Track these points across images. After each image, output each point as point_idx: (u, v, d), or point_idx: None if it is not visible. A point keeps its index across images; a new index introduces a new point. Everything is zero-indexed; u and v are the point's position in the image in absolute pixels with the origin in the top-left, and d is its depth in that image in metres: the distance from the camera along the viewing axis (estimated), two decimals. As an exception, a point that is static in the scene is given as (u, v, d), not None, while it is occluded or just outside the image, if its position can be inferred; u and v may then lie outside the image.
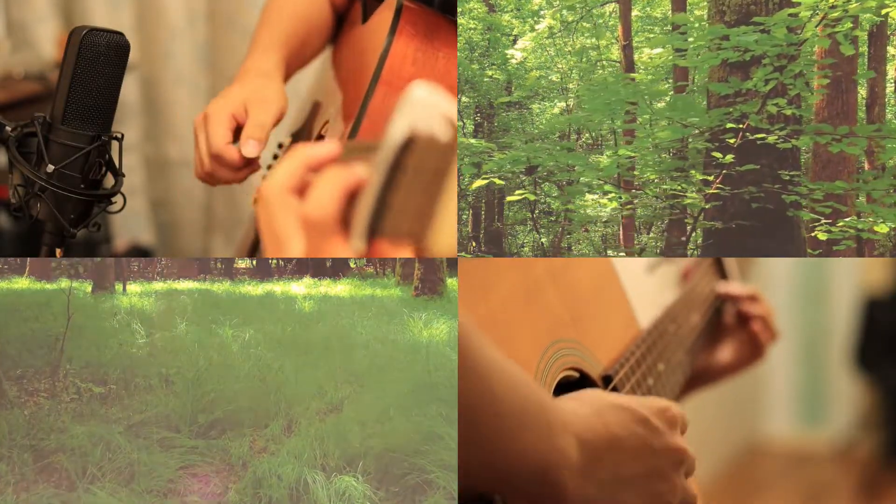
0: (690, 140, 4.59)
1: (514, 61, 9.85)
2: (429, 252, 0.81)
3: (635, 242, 7.08)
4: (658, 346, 1.24)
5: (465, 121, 10.29)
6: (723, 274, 1.53)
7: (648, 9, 10.25)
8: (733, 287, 1.47)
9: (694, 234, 4.78)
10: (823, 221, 4.02)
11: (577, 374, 1.08)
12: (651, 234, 9.79)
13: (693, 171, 4.47)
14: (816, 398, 5.20)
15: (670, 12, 8.40)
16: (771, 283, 5.16)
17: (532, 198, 5.60)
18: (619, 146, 5.10)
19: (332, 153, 0.95)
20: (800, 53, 3.70)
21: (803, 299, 5.26)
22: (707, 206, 4.15)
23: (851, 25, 3.63)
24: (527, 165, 6.16)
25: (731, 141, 3.91)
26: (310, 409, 3.68)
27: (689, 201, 4.48)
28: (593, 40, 9.84)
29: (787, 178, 4.07)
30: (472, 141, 6.16)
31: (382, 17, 1.52)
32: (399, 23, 1.43)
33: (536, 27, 9.30)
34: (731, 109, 3.85)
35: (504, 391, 0.77)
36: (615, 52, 9.44)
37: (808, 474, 4.67)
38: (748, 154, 4.00)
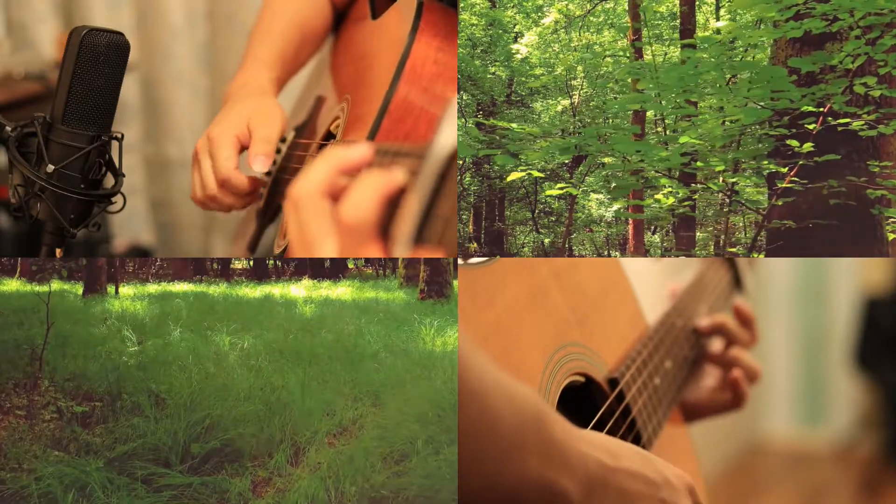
0: (748, 127, 3.96)
1: (518, 56, 9.80)
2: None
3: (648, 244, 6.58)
4: (666, 342, 1.21)
5: (466, 119, 10.28)
6: (731, 263, 1.51)
7: (654, 4, 10.23)
8: (731, 324, 1.36)
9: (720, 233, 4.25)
10: (892, 221, 3.60)
11: (583, 379, 1.06)
12: (656, 235, 9.76)
13: (765, 162, 3.88)
14: (816, 398, 5.19)
15: (677, 8, 8.35)
16: (771, 283, 5.16)
17: (574, 192, 5.19)
18: (684, 133, 4.50)
19: (365, 157, 0.95)
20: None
21: (803, 299, 5.25)
22: (779, 203, 3.61)
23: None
24: (574, 155, 5.62)
25: (811, 126, 3.39)
26: (319, 432, 3.35)
27: (756, 197, 3.98)
28: (598, 35, 9.80)
29: (877, 169, 3.54)
30: (514, 126, 5.51)
31: (395, 16, 1.49)
32: (420, 23, 1.40)
33: (542, 21, 9.23)
34: (813, 89, 3.35)
35: (503, 410, 0.74)
36: (618, 48, 9.40)
37: (808, 474, 4.66)
38: (823, 142, 3.48)
